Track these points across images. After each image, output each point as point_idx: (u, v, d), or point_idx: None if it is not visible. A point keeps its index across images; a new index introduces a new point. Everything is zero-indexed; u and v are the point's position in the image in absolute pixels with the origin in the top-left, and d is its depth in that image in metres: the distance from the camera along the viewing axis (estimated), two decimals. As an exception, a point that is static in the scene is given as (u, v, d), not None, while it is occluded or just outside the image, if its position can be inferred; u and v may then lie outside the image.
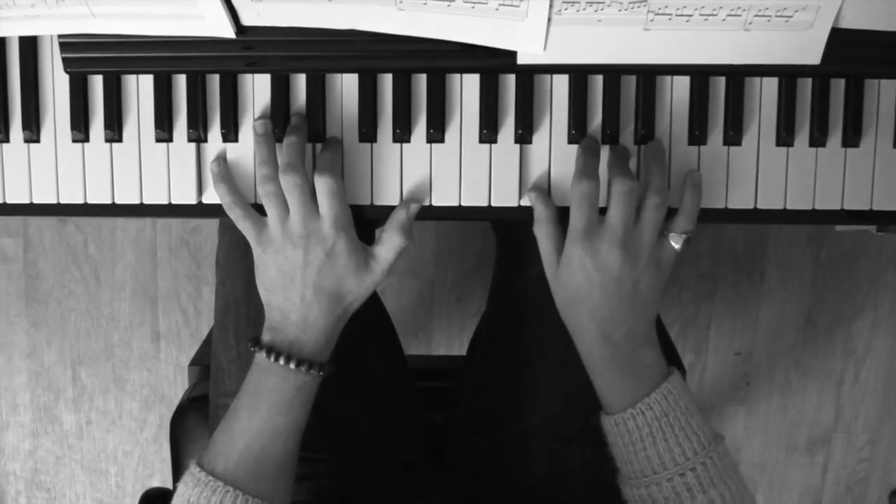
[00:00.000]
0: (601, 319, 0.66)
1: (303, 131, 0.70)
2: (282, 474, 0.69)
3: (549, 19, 0.65)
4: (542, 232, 0.69)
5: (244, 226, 0.69)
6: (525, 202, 0.71)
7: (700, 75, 0.70)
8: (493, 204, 0.72)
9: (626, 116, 0.71)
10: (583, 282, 0.66)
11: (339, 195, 0.67)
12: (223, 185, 0.70)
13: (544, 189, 0.71)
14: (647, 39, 0.66)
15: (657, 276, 0.67)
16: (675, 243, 0.67)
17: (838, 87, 0.71)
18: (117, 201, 0.72)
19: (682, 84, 0.71)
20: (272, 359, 0.67)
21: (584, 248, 0.65)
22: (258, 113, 0.72)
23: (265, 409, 0.67)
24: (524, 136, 0.71)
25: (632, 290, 0.66)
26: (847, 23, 0.66)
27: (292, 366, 0.67)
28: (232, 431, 0.68)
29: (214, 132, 0.72)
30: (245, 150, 0.72)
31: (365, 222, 0.73)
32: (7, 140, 0.72)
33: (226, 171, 0.71)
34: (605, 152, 0.70)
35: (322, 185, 0.67)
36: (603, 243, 0.65)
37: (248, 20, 0.67)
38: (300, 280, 0.68)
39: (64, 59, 0.70)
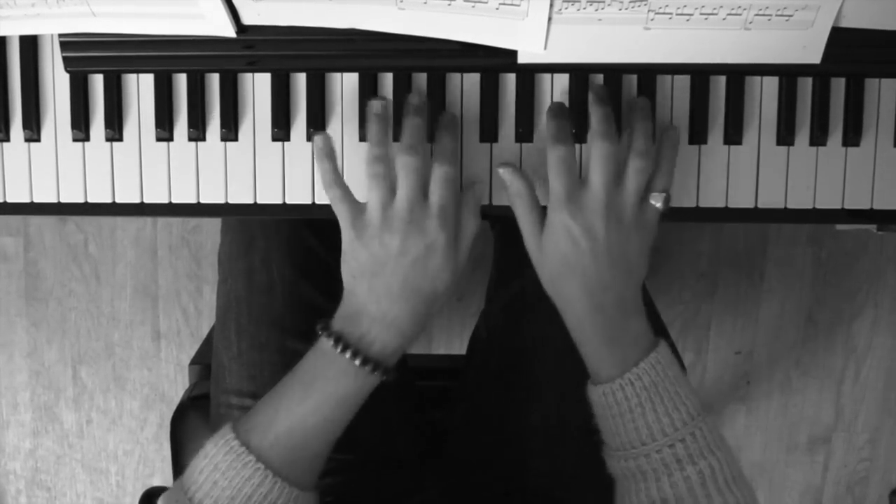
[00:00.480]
0: (591, 287, 0.65)
1: (425, 112, 0.67)
2: (315, 464, 0.66)
3: (550, 18, 0.65)
4: (522, 205, 0.67)
5: (341, 208, 0.66)
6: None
7: (700, 74, 0.70)
8: (494, 202, 0.72)
9: (627, 115, 0.71)
10: (570, 249, 0.65)
11: (453, 186, 0.65)
12: (327, 162, 0.67)
13: (515, 164, 0.70)
14: (648, 38, 0.66)
15: (643, 238, 0.66)
16: (657, 202, 0.66)
17: (839, 86, 0.71)
18: (118, 200, 0.72)
19: (682, 83, 0.71)
20: (339, 349, 0.64)
21: (570, 213, 0.64)
22: (258, 113, 0.71)
23: (317, 398, 0.64)
24: (524, 134, 0.71)
25: (619, 254, 0.65)
26: (848, 22, 0.66)
27: (357, 362, 0.64)
28: (277, 409, 0.64)
29: (214, 131, 0.72)
30: (245, 150, 0.72)
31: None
32: (7, 139, 0.72)
33: (331, 148, 0.68)
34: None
35: (440, 172, 0.64)
36: (586, 207, 0.64)
37: (248, 19, 0.67)
38: (391, 269, 0.64)
39: (64, 59, 0.70)
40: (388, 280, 0.65)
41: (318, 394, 0.64)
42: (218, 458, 0.63)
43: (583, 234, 0.64)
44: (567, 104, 0.70)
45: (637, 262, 0.66)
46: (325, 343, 0.65)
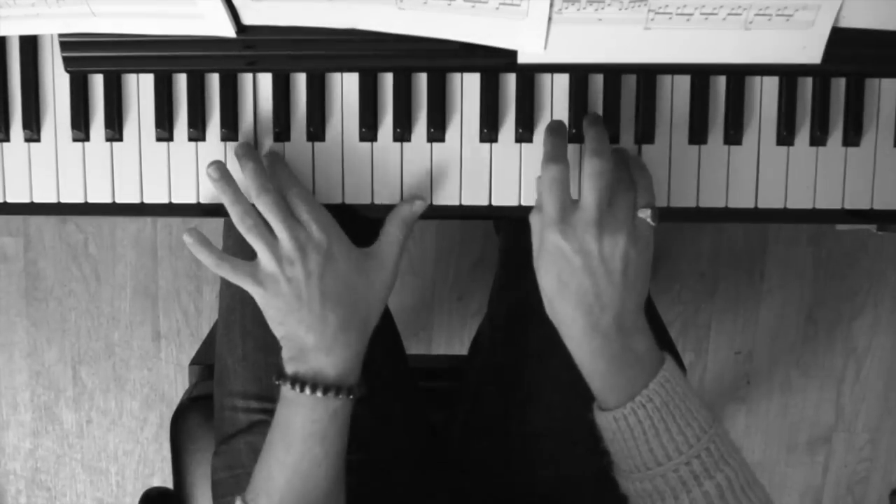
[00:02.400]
0: (588, 305, 0.64)
1: (253, 153, 0.69)
2: (330, 499, 0.68)
3: (550, 18, 0.65)
4: (540, 221, 0.67)
5: (238, 277, 0.68)
6: (525, 202, 0.71)
7: (700, 74, 0.70)
8: (494, 203, 0.72)
9: (627, 115, 0.71)
10: (564, 267, 0.64)
11: (313, 201, 0.67)
12: (205, 253, 0.68)
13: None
14: (648, 38, 0.66)
15: (640, 253, 0.65)
16: (646, 217, 0.65)
17: (839, 85, 0.71)
18: (118, 200, 0.72)
19: (682, 83, 0.71)
20: (298, 390, 0.65)
21: (561, 231, 0.64)
22: (259, 111, 0.71)
23: (299, 442, 0.66)
24: (524, 135, 0.71)
25: (616, 270, 0.64)
26: (848, 22, 0.66)
27: (319, 394, 0.65)
28: (270, 468, 0.66)
29: (214, 131, 0.72)
30: (245, 150, 0.72)
31: (366, 222, 0.73)
32: (7, 139, 0.72)
33: (204, 240, 0.69)
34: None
35: (293, 196, 0.67)
36: (578, 225, 0.64)
37: (248, 19, 0.67)
38: (307, 293, 0.66)
39: (64, 59, 0.70)
40: (308, 303, 0.66)
41: (299, 438, 0.66)
42: None
43: (575, 251, 0.64)
44: (566, 116, 0.70)
45: (635, 279, 0.65)
46: (286, 391, 0.67)
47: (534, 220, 0.67)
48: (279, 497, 0.65)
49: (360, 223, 0.71)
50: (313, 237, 0.66)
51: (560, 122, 0.69)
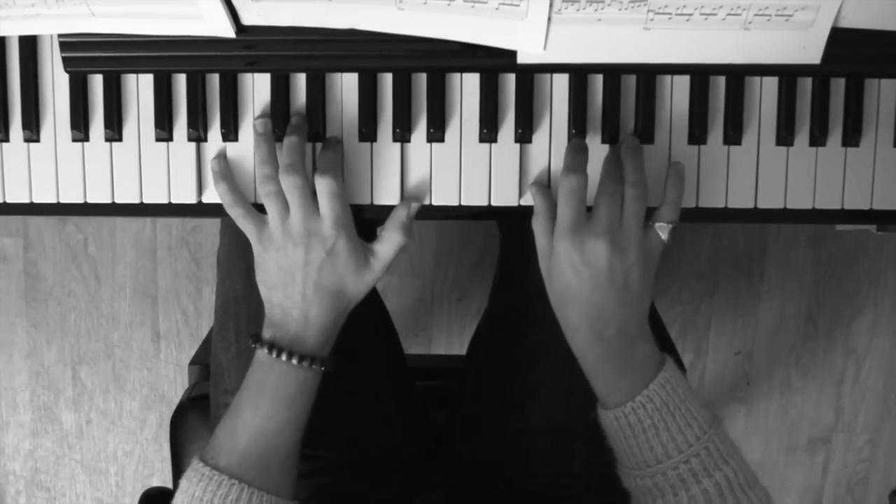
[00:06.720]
0: (592, 317, 0.66)
1: (303, 131, 0.70)
2: (286, 467, 0.69)
3: (549, 18, 0.65)
4: (541, 226, 0.69)
5: (245, 224, 0.69)
6: (525, 201, 0.71)
7: (700, 75, 0.70)
8: (493, 203, 0.72)
9: (626, 116, 0.71)
10: (572, 278, 0.66)
11: (339, 196, 0.68)
12: (224, 184, 0.70)
13: (545, 184, 0.71)
14: (647, 39, 0.66)
15: (646, 268, 0.67)
16: (662, 233, 0.67)
17: (838, 86, 0.71)
18: (117, 201, 0.72)
19: (682, 83, 0.71)
20: (274, 355, 0.68)
21: (572, 243, 0.66)
22: (258, 112, 0.72)
23: (268, 405, 0.68)
24: (524, 135, 0.71)
25: (622, 285, 0.66)
26: (847, 22, 0.66)
27: (294, 361, 0.68)
28: (235, 427, 0.68)
29: (214, 131, 0.72)
30: (245, 150, 0.72)
31: (364, 221, 0.73)
32: (7, 140, 0.72)
33: (226, 170, 0.71)
34: (603, 152, 0.70)
35: (322, 185, 0.67)
36: (589, 237, 0.65)
37: (247, 20, 0.67)
38: (301, 278, 0.68)
39: (64, 59, 0.70)
40: (300, 287, 0.68)
41: (268, 400, 0.68)
42: (193, 489, 0.65)
43: (585, 263, 0.66)
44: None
45: (640, 292, 0.67)
46: (261, 354, 0.69)
47: (537, 224, 0.69)
48: (240, 455, 0.67)
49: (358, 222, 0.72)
50: (323, 231, 0.68)
51: (582, 141, 0.71)
